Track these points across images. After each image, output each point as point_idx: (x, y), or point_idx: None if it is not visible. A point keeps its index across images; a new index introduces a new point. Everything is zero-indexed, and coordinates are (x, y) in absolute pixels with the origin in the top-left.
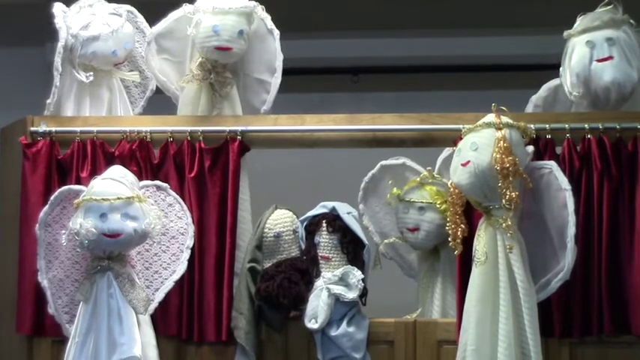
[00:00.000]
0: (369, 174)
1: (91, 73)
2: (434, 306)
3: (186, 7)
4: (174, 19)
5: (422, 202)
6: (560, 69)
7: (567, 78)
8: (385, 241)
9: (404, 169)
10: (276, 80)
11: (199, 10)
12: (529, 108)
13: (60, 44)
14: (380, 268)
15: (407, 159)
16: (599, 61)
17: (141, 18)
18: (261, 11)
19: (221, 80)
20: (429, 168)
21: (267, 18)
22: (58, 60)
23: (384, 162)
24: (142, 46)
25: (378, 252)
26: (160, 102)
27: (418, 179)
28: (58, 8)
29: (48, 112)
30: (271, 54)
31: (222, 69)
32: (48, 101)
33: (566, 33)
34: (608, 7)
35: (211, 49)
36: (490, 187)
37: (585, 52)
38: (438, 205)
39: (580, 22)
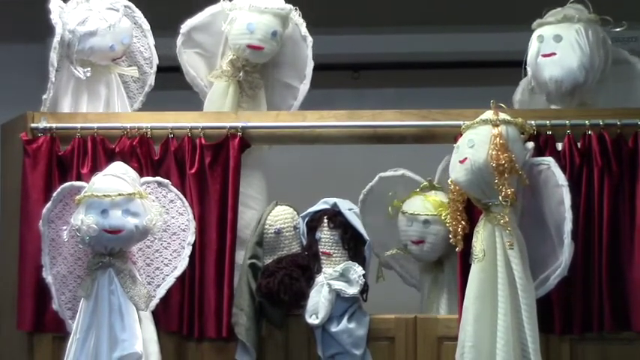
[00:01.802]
0: (368, 186)
1: (89, 68)
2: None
3: (223, 3)
4: (211, 13)
5: (426, 214)
6: None
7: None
8: (387, 253)
9: (403, 180)
10: (304, 87)
11: (236, 6)
12: (518, 90)
13: (55, 40)
14: (383, 280)
15: (406, 170)
16: (543, 56)
17: (138, 13)
18: (297, 17)
19: (250, 80)
20: (429, 178)
21: (303, 24)
22: (53, 55)
23: (382, 174)
24: (140, 41)
25: (379, 264)
26: (160, 98)
27: (418, 190)
28: (54, 4)
29: (44, 108)
30: (302, 60)
31: (252, 69)
32: (44, 97)
33: (533, 24)
34: (577, 5)
35: (243, 46)
36: (487, 184)
37: (535, 46)
38: (442, 217)
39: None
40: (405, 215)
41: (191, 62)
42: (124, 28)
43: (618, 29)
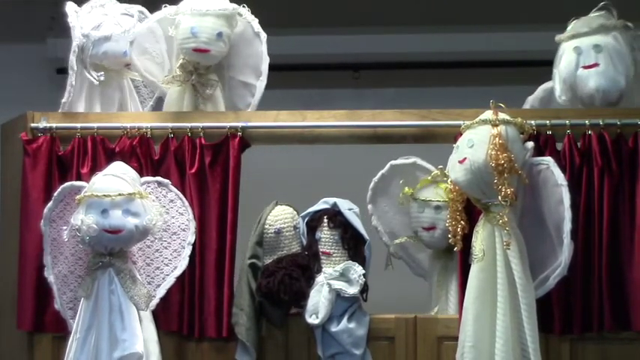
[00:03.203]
0: (379, 174)
1: (102, 73)
2: (449, 304)
3: (166, 9)
4: (156, 19)
5: (438, 200)
6: (553, 71)
7: (557, 82)
8: (395, 241)
9: (414, 168)
10: (261, 83)
11: (179, 11)
12: (526, 107)
13: (75, 43)
14: (392, 269)
15: (417, 158)
16: (585, 67)
17: None
18: (247, 13)
19: (203, 82)
20: (441, 166)
21: (255, 21)
22: (72, 59)
23: (393, 162)
24: (152, 46)
25: (388, 253)
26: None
27: (430, 178)
28: (70, 7)
29: (57, 112)
30: (257, 57)
31: (204, 71)
32: (63, 100)
33: (557, 38)
34: (602, 12)
35: (189, 50)
36: (487, 184)
37: (572, 58)
38: None
39: (570, 27)
40: (417, 202)
41: (147, 68)
42: None
43: None
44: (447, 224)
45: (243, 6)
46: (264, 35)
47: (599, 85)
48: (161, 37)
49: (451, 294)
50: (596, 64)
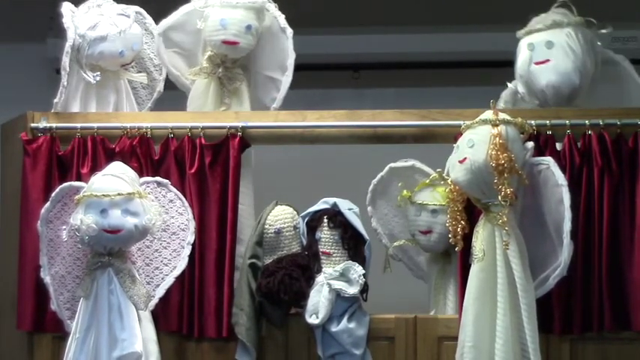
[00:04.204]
0: (378, 176)
1: (98, 73)
2: (447, 308)
3: (195, 1)
4: (185, 12)
5: (434, 204)
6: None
7: (517, 78)
8: (395, 243)
9: (413, 171)
10: (287, 78)
11: (209, 3)
12: (500, 104)
13: (68, 44)
14: (390, 271)
15: (416, 161)
16: (537, 63)
17: (149, 19)
18: (274, 9)
19: (230, 75)
20: (439, 170)
21: (281, 16)
22: (65, 60)
23: (392, 164)
24: (150, 48)
25: (387, 255)
26: (168, 99)
27: (428, 181)
28: (66, 8)
29: (55, 112)
30: (283, 52)
31: (231, 64)
32: (55, 100)
33: (517, 33)
34: (560, 9)
35: (218, 42)
36: (487, 184)
37: (526, 55)
38: None
39: (529, 24)
40: (414, 205)
41: (172, 62)
42: (135, 34)
43: (604, 31)
44: (444, 228)
45: (270, 1)
46: (290, 31)
47: (549, 81)
48: (189, 29)
49: (449, 297)
50: (547, 60)
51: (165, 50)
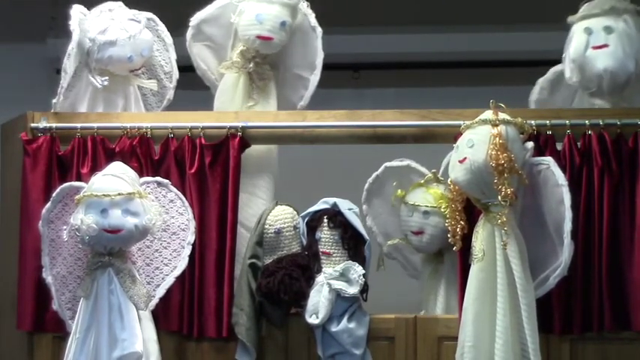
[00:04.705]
0: (373, 175)
1: (107, 77)
2: (437, 309)
3: None
4: (220, 5)
5: (426, 206)
6: (563, 54)
7: (567, 64)
8: (389, 242)
9: (408, 170)
10: (315, 77)
11: None
12: (535, 90)
13: (70, 47)
14: (384, 269)
15: (411, 161)
16: (594, 48)
17: (162, 26)
18: (305, 7)
19: (259, 71)
20: (434, 170)
21: (312, 15)
22: (67, 62)
23: (388, 164)
24: (161, 55)
25: (381, 253)
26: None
27: (422, 181)
28: (76, 10)
29: (55, 112)
30: (313, 51)
31: (262, 60)
32: (54, 101)
33: (569, 19)
34: None
35: (253, 37)
36: (487, 184)
37: (582, 39)
38: (442, 209)
39: (582, 8)
40: (407, 205)
41: (201, 55)
42: (145, 40)
43: None
44: (436, 229)
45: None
46: (319, 30)
47: (608, 66)
48: (222, 23)
49: (439, 298)
50: (605, 45)
51: (195, 43)
